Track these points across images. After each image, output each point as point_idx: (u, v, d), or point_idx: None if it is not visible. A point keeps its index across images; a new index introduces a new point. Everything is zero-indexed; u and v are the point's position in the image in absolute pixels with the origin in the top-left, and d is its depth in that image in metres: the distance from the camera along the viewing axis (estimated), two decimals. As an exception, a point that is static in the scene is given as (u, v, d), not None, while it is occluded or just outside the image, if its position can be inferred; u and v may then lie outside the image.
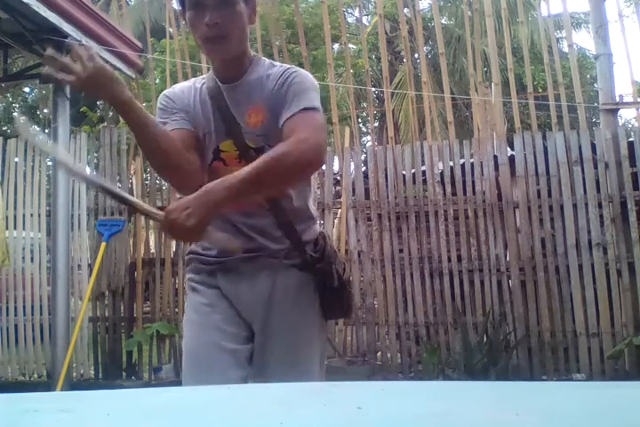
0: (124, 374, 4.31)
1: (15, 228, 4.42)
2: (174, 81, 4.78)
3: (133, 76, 4.36)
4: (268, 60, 1.43)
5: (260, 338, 1.40)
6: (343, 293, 1.48)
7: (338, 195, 4.42)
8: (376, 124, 10.33)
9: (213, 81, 1.40)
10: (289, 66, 1.40)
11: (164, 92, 1.45)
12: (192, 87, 1.43)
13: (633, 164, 3.91)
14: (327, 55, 4.74)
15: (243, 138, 1.35)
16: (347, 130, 4.44)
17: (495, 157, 4.09)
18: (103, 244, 3.94)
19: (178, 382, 4.09)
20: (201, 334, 1.37)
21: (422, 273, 4.07)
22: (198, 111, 1.39)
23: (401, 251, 4.14)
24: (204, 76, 1.47)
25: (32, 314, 4.34)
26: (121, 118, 1.27)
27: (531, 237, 3.97)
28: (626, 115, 18.69)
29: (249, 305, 1.40)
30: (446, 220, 4.08)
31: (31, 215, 4.44)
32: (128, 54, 4.03)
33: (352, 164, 4.32)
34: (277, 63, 1.42)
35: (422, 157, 4.20)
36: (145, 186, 5.12)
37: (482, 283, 3.99)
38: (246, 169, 1.17)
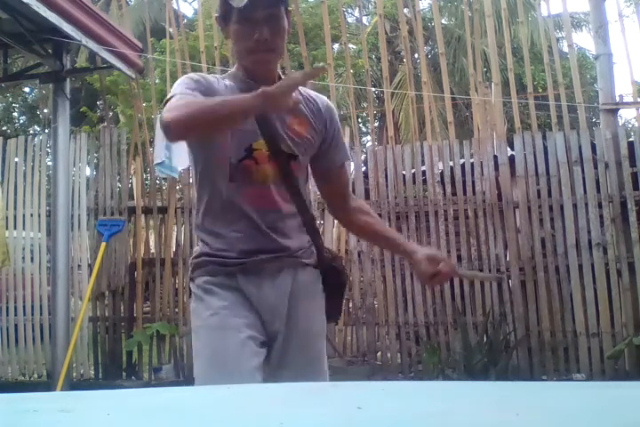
0: (124, 374, 4.30)
1: (15, 228, 4.42)
2: (174, 81, 4.77)
3: (133, 76, 4.35)
4: None
5: (282, 338, 1.40)
6: (343, 294, 1.57)
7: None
8: (376, 124, 10.32)
9: (244, 82, 1.39)
10: (317, 93, 1.52)
11: (194, 74, 1.42)
12: (217, 82, 1.41)
13: (633, 164, 3.91)
14: (327, 55, 4.74)
15: (277, 140, 1.37)
16: (347, 130, 4.44)
17: (495, 157, 4.09)
18: (103, 244, 3.94)
19: (178, 382, 4.11)
20: (223, 337, 1.34)
21: (422, 273, 4.06)
22: (227, 94, 1.38)
23: (401, 251, 4.13)
24: (222, 75, 1.46)
25: (32, 314, 4.34)
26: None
27: (531, 237, 3.97)
28: (626, 115, 18.67)
29: (271, 304, 1.40)
30: (446, 220, 4.08)
31: (31, 215, 4.44)
32: (128, 54, 4.03)
33: (352, 164, 4.32)
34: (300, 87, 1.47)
35: (422, 157, 4.20)
36: (145, 186, 5.12)
37: (482, 283, 3.99)
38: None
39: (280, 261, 1.41)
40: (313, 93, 1.49)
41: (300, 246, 1.44)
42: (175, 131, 1.26)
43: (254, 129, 1.36)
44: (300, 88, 1.43)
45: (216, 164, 1.39)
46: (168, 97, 1.33)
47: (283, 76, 1.44)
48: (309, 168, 1.50)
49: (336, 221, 4.35)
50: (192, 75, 1.43)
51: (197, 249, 1.45)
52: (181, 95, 1.31)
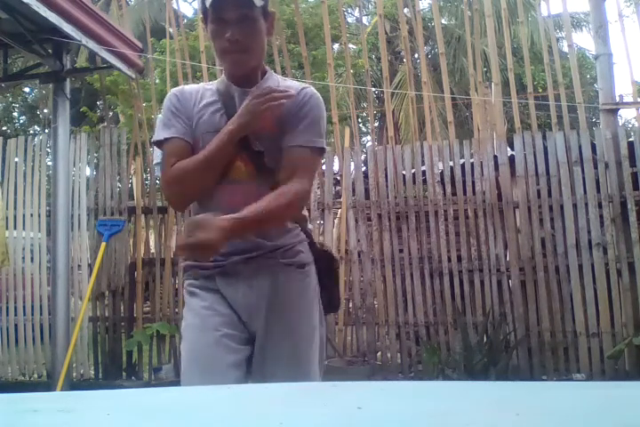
0: (124, 374, 4.30)
1: (15, 228, 4.42)
2: (174, 81, 4.78)
3: (133, 76, 4.35)
4: (278, 75, 1.51)
5: (260, 340, 1.40)
6: (337, 283, 1.60)
7: (338, 195, 4.42)
8: (376, 124, 10.33)
9: (224, 83, 1.44)
10: (305, 85, 1.47)
11: (174, 91, 1.48)
12: (200, 90, 1.46)
13: (633, 164, 3.91)
14: (327, 55, 4.74)
15: (247, 138, 1.38)
16: (347, 130, 4.43)
17: (495, 157, 4.09)
18: (103, 244, 3.94)
19: (178, 382, 4.08)
20: (201, 336, 1.37)
21: (422, 273, 4.07)
22: (205, 112, 1.42)
23: (401, 251, 4.14)
24: (212, 82, 1.51)
25: (32, 314, 4.34)
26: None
27: (531, 237, 3.97)
28: (626, 115, 18.70)
29: (248, 308, 1.41)
30: (446, 220, 4.08)
31: (31, 215, 4.44)
32: (128, 54, 4.03)
33: (352, 164, 4.32)
34: (287, 79, 1.51)
35: (422, 157, 4.20)
36: (145, 186, 5.12)
37: (482, 283, 3.99)
38: (252, 210, 1.28)
39: (256, 263, 1.40)
40: (292, 83, 1.48)
41: (280, 246, 1.42)
42: (178, 205, 1.54)
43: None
44: (278, 80, 1.47)
45: None
46: (156, 139, 1.43)
47: (268, 75, 1.46)
48: None
49: (336, 221, 4.36)
50: (170, 96, 1.46)
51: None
52: (168, 152, 1.40)
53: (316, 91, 1.46)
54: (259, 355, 1.40)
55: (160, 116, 1.45)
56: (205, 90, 1.46)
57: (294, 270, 1.44)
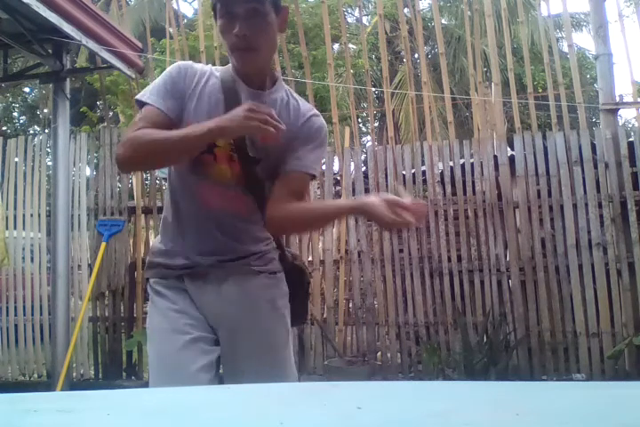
0: (124, 374, 4.30)
1: (15, 228, 4.42)
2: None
3: (133, 76, 4.35)
4: (285, 85, 1.45)
5: (226, 345, 1.38)
6: (307, 294, 1.58)
7: (338, 195, 4.42)
8: (376, 124, 10.32)
9: (231, 78, 1.37)
10: (314, 110, 1.43)
11: (182, 65, 1.39)
12: (207, 73, 1.38)
13: (633, 164, 3.91)
14: (327, 55, 4.74)
15: (245, 142, 1.33)
16: (347, 130, 4.44)
17: (495, 157, 4.09)
18: (103, 244, 3.94)
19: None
20: (170, 340, 1.34)
21: (422, 273, 4.07)
22: (201, 98, 1.35)
23: (401, 251, 4.14)
24: (219, 67, 1.44)
25: (32, 314, 4.33)
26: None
27: (531, 237, 3.97)
28: (626, 115, 18.70)
29: (215, 312, 1.38)
30: (446, 220, 4.08)
31: (31, 215, 4.44)
32: (128, 54, 4.03)
33: (352, 164, 4.32)
34: (295, 94, 1.45)
35: (422, 157, 4.20)
36: (145, 186, 5.12)
37: (482, 283, 3.99)
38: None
39: (227, 267, 1.38)
40: (298, 103, 1.42)
41: (253, 252, 1.41)
42: (123, 167, 1.35)
43: None
44: (288, 93, 1.43)
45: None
46: (140, 98, 1.35)
47: (278, 83, 1.41)
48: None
49: (336, 221, 4.36)
50: (176, 67, 1.38)
51: (152, 245, 1.47)
52: (143, 115, 1.32)
53: (321, 117, 1.45)
54: (228, 359, 1.38)
55: (158, 79, 1.36)
56: (212, 75, 1.38)
57: (265, 276, 1.42)
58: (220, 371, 1.39)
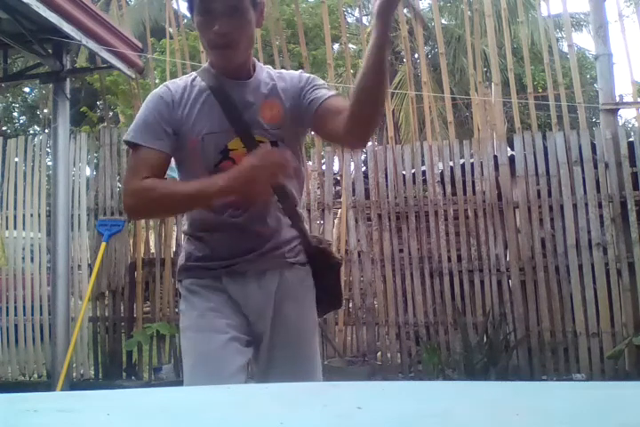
0: (124, 374, 4.30)
1: (15, 228, 4.42)
2: (174, 81, 4.77)
3: (133, 76, 4.35)
4: (265, 66, 1.45)
5: (267, 340, 1.40)
6: (339, 277, 1.58)
7: (338, 195, 4.42)
8: (376, 124, 10.28)
9: (214, 77, 1.36)
10: (294, 71, 1.46)
11: (160, 92, 1.37)
12: (186, 87, 1.37)
13: (633, 164, 3.91)
14: (327, 55, 4.74)
15: (251, 134, 1.33)
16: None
17: (495, 157, 4.09)
18: (103, 244, 3.94)
19: (178, 382, 4.10)
20: (209, 338, 1.35)
21: (422, 273, 4.07)
22: (195, 112, 1.34)
23: (401, 251, 4.14)
24: (192, 73, 1.42)
25: (32, 314, 4.34)
26: None
27: (531, 237, 3.97)
28: (626, 115, 18.71)
29: (257, 305, 1.40)
30: (446, 220, 4.08)
31: (31, 215, 4.44)
32: (128, 54, 4.03)
33: (352, 164, 4.32)
34: (275, 69, 1.46)
35: (422, 157, 4.20)
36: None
37: (482, 283, 3.99)
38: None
39: (264, 262, 1.40)
40: (284, 72, 1.44)
41: (285, 244, 1.43)
42: (133, 217, 1.46)
43: (227, 129, 1.34)
44: (269, 70, 1.43)
45: (194, 172, 1.36)
46: (129, 139, 1.33)
47: (257, 66, 1.40)
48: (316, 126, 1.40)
49: (336, 221, 4.36)
50: (156, 98, 1.36)
51: (183, 254, 1.47)
52: (140, 159, 1.31)
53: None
54: (267, 354, 1.41)
55: (142, 115, 1.34)
56: (192, 85, 1.37)
57: (298, 268, 1.45)
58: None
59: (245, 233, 1.39)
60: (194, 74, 1.41)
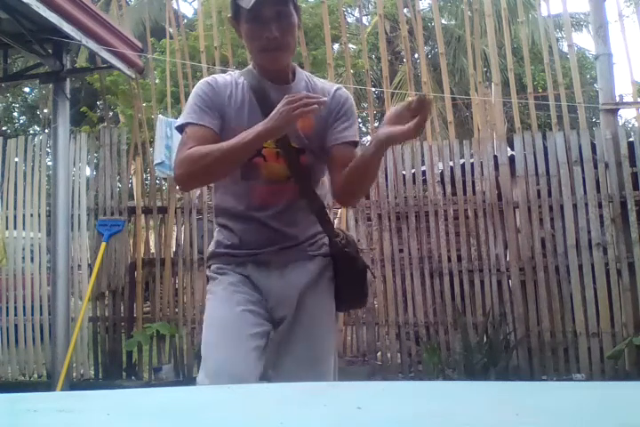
0: (124, 374, 4.30)
1: (15, 228, 4.42)
2: (174, 81, 4.78)
3: (133, 76, 4.35)
4: (303, 71, 1.54)
5: (288, 323, 1.45)
6: (364, 280, 1.59)
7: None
8: (376, 124, 10.31)
9: (257, 79, 1.45)
10: (336, 84, 1.54)
11: (208, 80, 1.47)
12: (232, 82, 1.46)
13: (633, 164, 3.91)
14: (327, 55, 4.75)
15: (285, 137, 1.40)
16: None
17: (495, 157, 4.09)
18: (103, 244, 3.94)
19: (178, 382, 4.10)
20: (227, 306, 1.42)
21: (422, 273, 4.07)
22: (237, 107, 1.43)
23: (401, 251, 4.14)
24: (236, 71, 1.53)
25: (32, 314, 4.33)
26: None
27: (531, 237, 3.97)
28: (626, 115, 18.71)
29: (278, 294, 1.46)
30: (446, 220, 4.08)
31: (31, 215, 4.44)
32: (128, 54, 4.03)
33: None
34: (314, 77, 1.54)
35: (422, 157, 4.20)
36: (145, 186, 5.12)
37: (482, 283, 3.99)
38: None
39: (288, 255, 1.47)
40: (320, 83, 1.52)
41: (308, 238, 1.49)
42: (185, 185, 1.54)
43: None
44: (308, 77, 1.51)
45: None
46: (180, 123, 1.43)
47: (297, 72, 1.49)
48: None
49: (336, 221, 4.36)
50: (204, 84, 1.46)
51: (213, 242, 1.55)
52: (189, 135, 1.39)
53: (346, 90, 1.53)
54: (284, 339, 1.45)
55: (191, 100, 1.44)
56: (237, 82, 1.46)
57: (320, 259, 1.50)
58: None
59: (268, 228, 1.45)
60: (237, 72, 1.51)
